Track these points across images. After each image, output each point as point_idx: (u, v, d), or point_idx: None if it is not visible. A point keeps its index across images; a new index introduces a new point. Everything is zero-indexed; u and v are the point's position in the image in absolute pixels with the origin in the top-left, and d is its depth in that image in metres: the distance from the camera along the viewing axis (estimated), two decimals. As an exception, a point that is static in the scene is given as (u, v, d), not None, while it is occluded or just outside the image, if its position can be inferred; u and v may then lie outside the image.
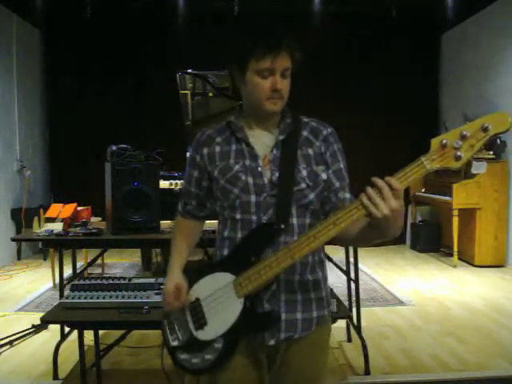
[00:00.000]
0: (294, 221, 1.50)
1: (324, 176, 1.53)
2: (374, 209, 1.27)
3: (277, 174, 1.50)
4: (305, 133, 1.56)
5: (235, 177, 1.52)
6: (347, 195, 1.55)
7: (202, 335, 1.51)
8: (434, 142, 1.30)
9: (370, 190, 1.28)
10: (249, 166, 1.52)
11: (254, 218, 1.50)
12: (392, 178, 1.27)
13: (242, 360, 1.53)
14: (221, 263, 1.55)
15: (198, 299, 1.53)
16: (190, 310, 1.54)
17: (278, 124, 1.56)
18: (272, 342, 1.51)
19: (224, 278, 1.49)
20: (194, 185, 1.64)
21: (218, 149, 1.56)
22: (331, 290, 2.98)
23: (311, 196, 1.52)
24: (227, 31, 4.36)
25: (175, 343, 1.56)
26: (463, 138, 1.27)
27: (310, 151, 1.53)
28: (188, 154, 1.76)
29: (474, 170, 5.83)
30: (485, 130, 1.26)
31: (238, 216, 1.52)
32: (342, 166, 1.57)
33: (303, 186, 1.50)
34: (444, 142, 1.29)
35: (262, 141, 1.55)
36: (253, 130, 1.56)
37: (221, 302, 1.49)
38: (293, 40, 1.47)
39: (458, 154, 1.28)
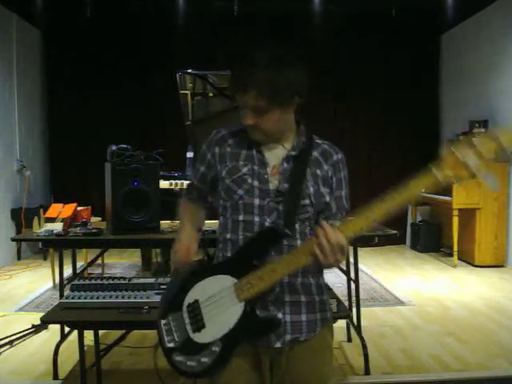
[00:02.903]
0: (297, 226, 1.53)
1: (327, 198, 1.56)
2: (322, 258, 1.36)
3: (286, 185, 1.51)
4: (316, 153, 1.58)
5: (241, 178, 1.54)
6: (337, 223, 1.54)
7: (199, 338, 1.49)
8: (447, 154, 1.29)
9: (323, 241, 1.34)
10: (256, 171, 1.53)
11: (257, 219, 1.52)
12: (341, 237, 1.35)
13: (244, 364, 1.52)
14: (222, 265, 1.55)
15: (196, 301, 1.51)
16: (188, 312, 1.51)
17: (290, 139, 1.57)
18: (278, 345, 1.51)
19: (225, 281, 1.48)
20: (198, 179, 1.68)
21: (229, 150, 1.59)
22: (331, 289, 2.99)
23: (311, 213, 1.54)
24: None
25: (171, 345, 1.53)
26: (477, 152, 1.26)
27: (319, 172, 1.55)
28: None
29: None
30: (499, 145, 1.24)
31: (241, 217, 1.54)
32: (343, 193, 1.59)
33: (307, 201, 1.52)
34: (457, 154, 1.27)
35: (273, 151, 1.56)
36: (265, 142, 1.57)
37: (220, 305, 1.48)
38: (261, 77, 1.41)
39: (471, 167, 1.27)
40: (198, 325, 1.50)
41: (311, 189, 1.52)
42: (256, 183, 1.52)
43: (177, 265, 1.64)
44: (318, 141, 1.62)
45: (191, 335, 1.50)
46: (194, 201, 1.75)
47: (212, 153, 1.61)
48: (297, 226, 1.52)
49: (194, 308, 1.51)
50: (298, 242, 1.51)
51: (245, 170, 1.54)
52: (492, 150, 1.26)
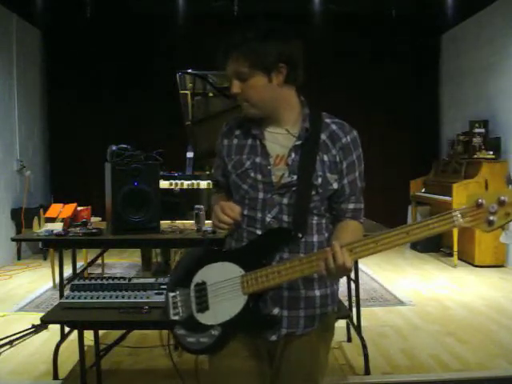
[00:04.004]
0: (309, 222, 1.53)
1: (335, 185, 1.54)
2: (325, 275, 1.39)
3: (294, 177, 1.50)
4: (323, 136, 1.54)
5: (245, 173, 1.54)
6: (350, 205, 1.56)
7: (202, 318, 1.52)
8: (470, 199, 1.26)
9: (330, 261, 1.35)
10: (259, 163, 1.53)
11: (259, 215, 1.53)
12: (348, 260, 1.35)
13: (244, 351, 1.54)
14: (233, 254, 1.56)
15: (204, 282, 1.52)
16: (195, 291, 1.53)
17: (292, 121, 1.55)
18: (274, 338, 1.53)
19: (233, 270, 1.49)
20: (220, 174, 1.69)
21: (235, 141, 1.60)
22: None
23: (317, 202, 1.53)
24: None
25: (175, 317, 1.56)
26: (501, 203, 1.23)
27: (326, 158, 1.52)
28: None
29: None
30: None
31: (245, 212, 1.55)
32: (357, 174, 1.56)
33: (313, 192, 1.51)
34: (480, 201, 1.25)
35: (277, 139, 1.55)
36: (269, 126, 1.56)
37: (226, 292, 1.49)
38: (246, 43, 1.46)
39: (491, 218, 1.24)
40: (202, 306, 1.52)
41: (320, 179, 1.50)
42: (259, 177, 1.53)
43: (215, 224, 1.58)
44: (328, 120, 1.57)
45: (195, 314, 1.53)
46: (221, 193, 1.72)
47: (222, 145, 1.63)
48: (309, 221, 1.52)
49: (201, 289, 1.53)
50: (315, 237, 1.53)
51: (248, 164, 1.54)
52: None
